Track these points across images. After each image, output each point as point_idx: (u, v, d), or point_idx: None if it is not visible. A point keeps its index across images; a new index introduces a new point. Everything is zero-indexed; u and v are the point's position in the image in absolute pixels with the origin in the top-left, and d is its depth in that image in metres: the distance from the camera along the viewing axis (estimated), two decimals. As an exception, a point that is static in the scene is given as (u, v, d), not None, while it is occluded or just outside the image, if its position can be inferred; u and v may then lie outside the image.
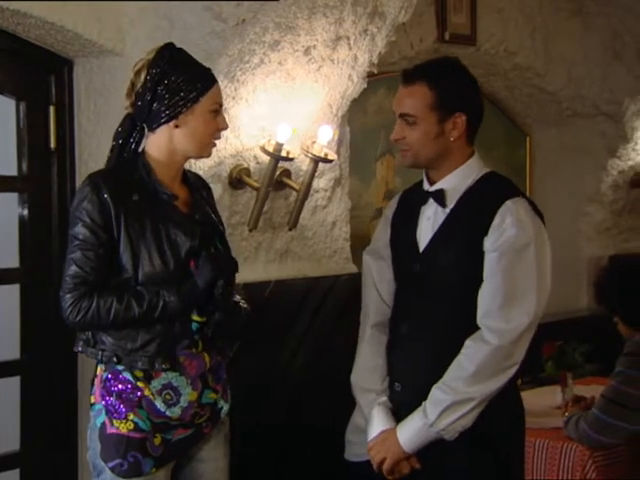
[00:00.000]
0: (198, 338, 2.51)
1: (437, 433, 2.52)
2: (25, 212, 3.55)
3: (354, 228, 4.39)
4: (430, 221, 2.62)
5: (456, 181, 2.62)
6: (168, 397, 2.47)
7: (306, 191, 3.81)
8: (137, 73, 2.56)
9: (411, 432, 2.56)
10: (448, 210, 2.60)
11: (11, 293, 3.58)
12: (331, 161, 3.87)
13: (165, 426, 2.49)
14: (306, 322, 3.92)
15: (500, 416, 2.58)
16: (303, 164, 3.84)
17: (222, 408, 2.60)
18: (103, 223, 2.44)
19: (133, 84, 2.57)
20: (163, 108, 2.50)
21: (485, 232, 2.52)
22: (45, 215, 3.57)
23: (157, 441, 2.49)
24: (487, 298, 2.52)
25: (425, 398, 2.56)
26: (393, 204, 2.83)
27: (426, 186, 2.69)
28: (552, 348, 4.95)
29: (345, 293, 4.07)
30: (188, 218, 2.54)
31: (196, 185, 2.66)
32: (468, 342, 2.52)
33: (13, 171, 3.57)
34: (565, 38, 5.51)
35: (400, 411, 2.64)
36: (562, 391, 3.75)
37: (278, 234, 3.87)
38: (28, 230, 3.55)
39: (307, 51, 3.65)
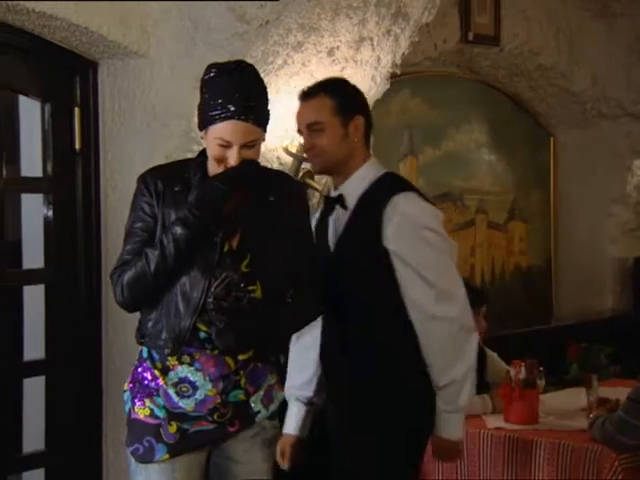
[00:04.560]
0: (210, 349, 2.49)
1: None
2: (50, 213, 3.57)
3: (377, 229, 4.38)
4: (335, 225, 2.80)
5: (355, 184, 2.78)
6: (184, 389, 2.50)
7: (329, 192, 3.81)
8: None
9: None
10: (348, 213, 2.77)
11: (36, 293, 3.61)
12: (354, 162, 3.86)
13: (183, 416, 2.51)
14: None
15: (405, 395, 2.72)
16: (326, 165, 3.83)
17: (259, 412, 2.58)
18: (150, 213, 2.51)
19: None
20: (197, 114, 2.52)
21: (379, 228, 2.68)
22: (70, 216, 3.59)
23: (172, 429, 2.51)
24: (412, 291, 2.69)
25: (341, 375, 2.76)
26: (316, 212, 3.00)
27: (332, 192, 2.85)
28: (577, 350, 4.94)
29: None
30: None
31: (264, 189, 2.58)
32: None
33: (38, 172, 3.59)
34: (589, 39, 5.49)
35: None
36: (587, 393, 3.73)
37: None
38: (53, 231, 3.57)
39: (330, 52, 3.65)
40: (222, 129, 2.43)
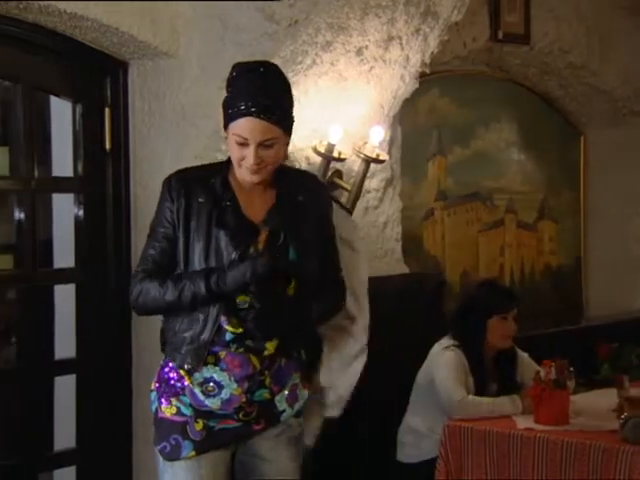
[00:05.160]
0: (235, 348, 2.51)
1: None
2: (81, 213, 3.60)
3: (405, 229, 4.37)
4: None
5: None
6: (210, 389, 2.52)
7: (357, 192, 3.81)
8: None
9: None
10: None
11: (67, 293, 3.63)
12: (383, 162, 3.86)
13: (209, 414, 2.54)
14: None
15: None
16: (355, 165, 3.83)
17: (284, 411, 2.59)
18: (170, 219, 2.53)
19: None
20: (222, 113, 2.52)
21: None
22: (100, 215, 3.61)
23: (198, 426, 2.54)
24: None
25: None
26: None
27: None
28: (608, 350, 4.90)
29: (396, 293, 4.06)
30: (245, 225, 2.52)
31: (292, 189, 2.59)
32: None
33: (69, 172, 3.62)
34: (620, 37, 5.44)
35: None
36: (618, 394, 3.69)
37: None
38: (83, 230, 3.60)
39: (359, 51, 3.64)
40: (240, 126, 2.45)
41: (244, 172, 2.50)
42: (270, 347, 2.54)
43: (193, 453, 2.53)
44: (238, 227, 2.51)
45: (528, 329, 4.45)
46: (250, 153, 2.45)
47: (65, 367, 3.62)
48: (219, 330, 2.50)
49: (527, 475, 3.32)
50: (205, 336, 2.49)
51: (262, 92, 2.45)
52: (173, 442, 2.54)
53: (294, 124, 2.57)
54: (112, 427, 3.62)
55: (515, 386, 3.76)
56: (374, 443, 3.92)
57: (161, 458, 2.57)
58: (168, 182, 2.56)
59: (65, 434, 3.69)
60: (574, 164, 5.84)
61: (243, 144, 2.46)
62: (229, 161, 2.56)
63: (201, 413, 2.53)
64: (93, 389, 3.59)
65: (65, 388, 3.66)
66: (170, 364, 2.56)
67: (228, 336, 2.50)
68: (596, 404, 3.70)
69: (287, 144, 2.56)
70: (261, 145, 2.45)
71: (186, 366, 2.51)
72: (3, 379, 3.62)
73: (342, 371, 3.08)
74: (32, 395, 3.55)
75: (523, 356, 3.89)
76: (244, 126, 2.44)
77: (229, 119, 2.48)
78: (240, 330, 2.51)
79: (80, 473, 3.62)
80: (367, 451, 3.94)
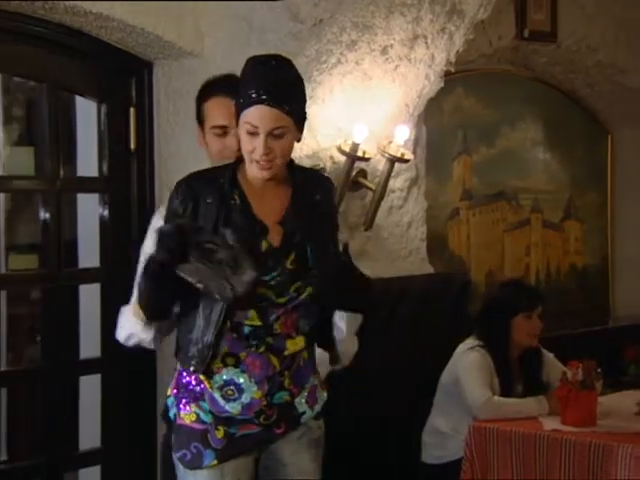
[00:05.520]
0: (255, 347, 2.48)
1: None
2: (106, 212, 3.61)
3: (430, 228, 4.36)
4: None
5: None
6: (230, 393, 2.47)
7: (382, 191, 3.79)
8: None
9: None
10: None
11: (92, 292, 3.65)
12: (407, 161, 3.84)
13: (229, 420, 2.50)
14: (381, 323, 3.90)
15: None
16: (379, 164, 3.82)
17: (304, 413, 2.57)
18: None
19: None
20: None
21: None
22: (125, 215, 3.62)
23: (219, 434, 2.49)
24: None
25: None
26: None
27: None
28: (635, 351, 4.86)
29: (421, 293, 4.04)
30: (254, 226, 2.50)
31: (305, 187, 2.55)
32: None
33: (94, 172, 3.63)
34: (649, 34, 5.39)
35: None
36: (645, 395, 3.67)
37: (354, 235, 3.85)
38: (109, 230, 3.61)
39: (384, 50, 3.63)
40: (251, 114, 2.42)
41: (254, 168, 2.47)
42: (291, 346, 2.51)
43: (215, 462, 2.48)
44: (246, 226, 2.46)
45: (555, 329, 4.43)
46: (260, 143, 2.42)
47: (90, 367, 3.63)
48: (238, 330, 2.47)
49: (553, 477, 3.29)
50: (208, 337, 2.45)
51: (274, 82, 2.42)
52: (194, 450, 2.48)
53: (306, 120, 2.51)
54: (137, 426, 3.62)
55: (541, 387, 3.74)
56: (398, 444, 3.91)
57: (181, 466, 2.52)
58: (177, 186, 2.52)
59: (90, 434, 3.70)
60: (601, 163, 5.79)
61: (254, 134, 2.43)
62: (238, 161, 2.55)
63: (221, 420, 2.49)
64: (118, 389, 3.60)
65: (90, 388, 3.67)
66: (188, 369, 2.50)
67: (246, 330, 2.47)
68: (623, 405, 3.68)
69: (298, 140, 2.53)
70: (271, 135, 2.42)
71: (191, 368, 2.46)
72: (28, 378, 3.64)
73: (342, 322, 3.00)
74: (57, 394, 3.56)
75: (549, 356, 3.86)
76: (255, 114, 2.42)
77: (241, 109, 2.45)
78: (259, 323, 2.47)
79: (105, 472, 3.63)
80: (391, 452, 3.92)
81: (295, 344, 2.51)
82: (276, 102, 2.41)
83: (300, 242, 2.50)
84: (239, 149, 2.60)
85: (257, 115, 2.42)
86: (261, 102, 2.41)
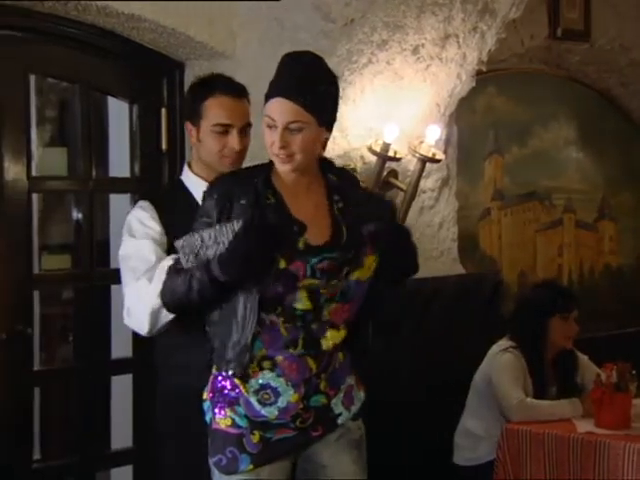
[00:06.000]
0: (293, 346, 2.47)
1: None
2: (137, 213, 3.61)
3: (462, 228, 4.33)
4: None
5: None
6: (266, 397, 2.44)
7: (413, 191, 3.78)
8: None
9: None
10: None
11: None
12: (439, 161, 3.82)
13: (265, 425, 2.47)
14: (413, 324, 3.89)
15: None
16: (410, 164, 3.81)
17: (340, 414, 2.54)
18: (209, 220, 2.46)
19: None
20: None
21: None
22: (157, 216, 3.63)
23: (255, 438, 2.46)
24: None
25: None
26: None
27: None
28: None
29: (453, 294, 4.02)
30: (291, 224, 2.46)
31: (338, 187, 2.52)
32: None
33: (126, 173, 3.65)
34: (684, 32, 5.33)
35: None
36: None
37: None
38: (140, 230, 3.61)
39: (415, 50, 3.61)
40: (270, 107, 2.40)
41: (276, 162, 2.45)
42: (331, 337, 2.48)
43: (251, 467, 2.46)
44: (282, 224, 2.42)
45: (589, 331, 4.39)
46: (276, 135, 2.40)
47: (122, 366, 3.65)
48: (273, 334, 2.45)
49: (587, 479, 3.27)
50: (245, 339, 2.42)
51: (298, 76, 2.40)
52: (230, 455, 2.46)
53: (336, 121, 2.47)
54: (168, 426, 3.63)
55: (575, 389, 3.70)
56: (430, 445, 3.89)
57: (217, 471, 2.49)
58: (210, 186, 2.50)
59: (122, 433, 3.71)
60: (635, 163, 5.73)
61: (272, 127, 2.41)
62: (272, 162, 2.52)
63: (257, 424, 2.47)
64: (149, 388, 3.61)
65: (122, 387, 3.69)
66: (223, 373, 2.48)
67: (298, 313, 2.41)
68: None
69: (325, 139, 2.50)
70: (287, 129, 2.39)
71: (230, 372, 2.45)
72: (61, 378, 3.66)
73: None
74: (89, 394, 3.58)
75: (583, 358, 3.83)
76: (273, 107, 2.40)
77: (265, 102, 2.44)
78: (309, 306, 2.41)
79: (137, 472, 3.65)
80: (423, 453, 3.90)
81: (335, 336, 2.47)
82: (294, 96, 2.38)
83: (348, 241, 2.47)
84: (239, 149, 2.60)
85: (275, 108, 2.40)
86: (280, 95, 2.39)
